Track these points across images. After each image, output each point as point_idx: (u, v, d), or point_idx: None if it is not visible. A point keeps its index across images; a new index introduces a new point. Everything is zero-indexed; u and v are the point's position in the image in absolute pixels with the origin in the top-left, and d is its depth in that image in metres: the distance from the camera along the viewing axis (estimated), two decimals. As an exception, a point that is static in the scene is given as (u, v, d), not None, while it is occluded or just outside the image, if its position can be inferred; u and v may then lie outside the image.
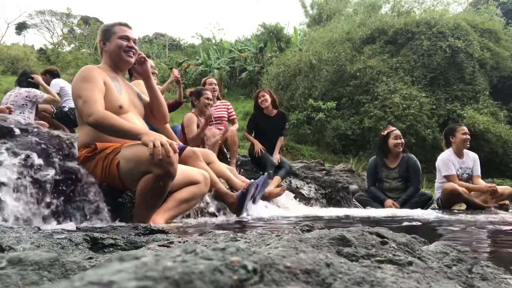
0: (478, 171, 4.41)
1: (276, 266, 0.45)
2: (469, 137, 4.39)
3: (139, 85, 2.81)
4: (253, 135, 4.51)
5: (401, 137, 4.35)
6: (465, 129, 4.41)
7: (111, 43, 2.26)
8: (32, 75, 4.67)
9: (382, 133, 4.51)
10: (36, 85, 4.64)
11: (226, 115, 4.68)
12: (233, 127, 4.77)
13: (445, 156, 4.42)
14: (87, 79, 2.07)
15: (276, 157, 4.26)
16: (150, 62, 2.99)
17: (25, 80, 4.63)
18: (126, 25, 2.32)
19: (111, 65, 2.29)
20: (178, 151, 1.93)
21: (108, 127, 1.98)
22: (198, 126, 3.81)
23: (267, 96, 4.45)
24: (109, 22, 2.38)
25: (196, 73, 18.20)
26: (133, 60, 2.32)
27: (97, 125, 1.99)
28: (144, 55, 2.38)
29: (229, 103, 4.88)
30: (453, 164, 4.34)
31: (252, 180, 2.96)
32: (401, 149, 4.31)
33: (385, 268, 0.60)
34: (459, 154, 4.39)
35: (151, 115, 2.46)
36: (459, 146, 4.37)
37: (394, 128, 4.48)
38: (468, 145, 4.41)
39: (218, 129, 4.23)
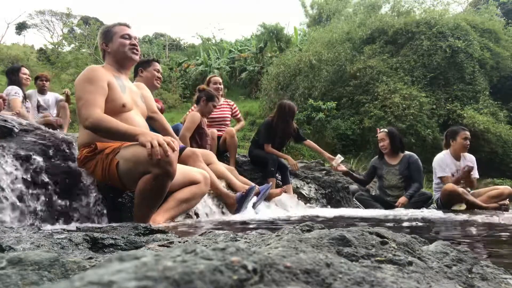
0: (475, 173, 4.34)
1: (276, 266, 0.45)
2: (469, 142, 4.33)
3: (140, 87, 2.81)
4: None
5: (384, 139, 4.38)
6: (468, 134, 4.35)
7: (114, 43, 2.27)
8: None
9: None
10: (16, 82, 4.40)
11: (229, 115, 4.64)
12: (239, 125, 4.77)
13: (441, 157, 4.43)
14: (91, 81, 2.07)
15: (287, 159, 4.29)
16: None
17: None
18: (125, 24, 2.33)
19: (115, 65, 2.30)
20: (177, 149, 1.92)
21: (104, 130, 1.98)
22: (199, 125, 3.68)
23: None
24: (108, 23, 2.39)
25: (196, 73, 18.21)
26: (137, 57, 2.33)
27: (93, 128, 1.99)
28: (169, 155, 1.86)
29: (232, 102, 4.84)
30: (448, 166, 4.33)
31: (254, 184, 2.95)
32: (385, 151, 4.39)
33: (385, 268, 0.60)
34: (456, 157, 4.37)
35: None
36: (457, 150, 4.34)
37: (382, 130, 4.53)
38: (467, 151, 4.37)
39: (219, 130, 4.20)
